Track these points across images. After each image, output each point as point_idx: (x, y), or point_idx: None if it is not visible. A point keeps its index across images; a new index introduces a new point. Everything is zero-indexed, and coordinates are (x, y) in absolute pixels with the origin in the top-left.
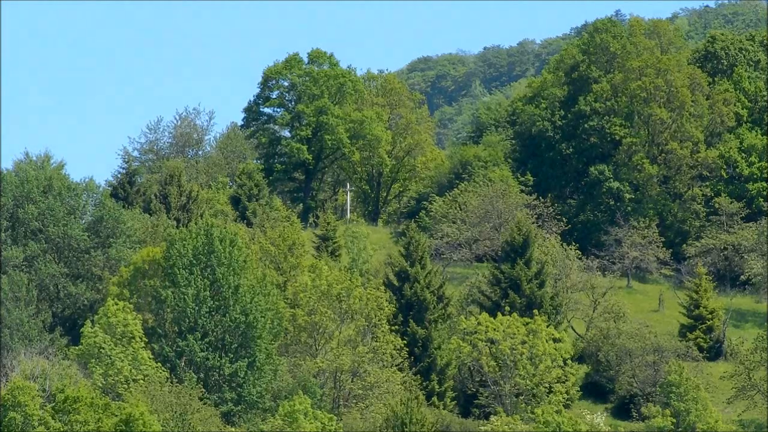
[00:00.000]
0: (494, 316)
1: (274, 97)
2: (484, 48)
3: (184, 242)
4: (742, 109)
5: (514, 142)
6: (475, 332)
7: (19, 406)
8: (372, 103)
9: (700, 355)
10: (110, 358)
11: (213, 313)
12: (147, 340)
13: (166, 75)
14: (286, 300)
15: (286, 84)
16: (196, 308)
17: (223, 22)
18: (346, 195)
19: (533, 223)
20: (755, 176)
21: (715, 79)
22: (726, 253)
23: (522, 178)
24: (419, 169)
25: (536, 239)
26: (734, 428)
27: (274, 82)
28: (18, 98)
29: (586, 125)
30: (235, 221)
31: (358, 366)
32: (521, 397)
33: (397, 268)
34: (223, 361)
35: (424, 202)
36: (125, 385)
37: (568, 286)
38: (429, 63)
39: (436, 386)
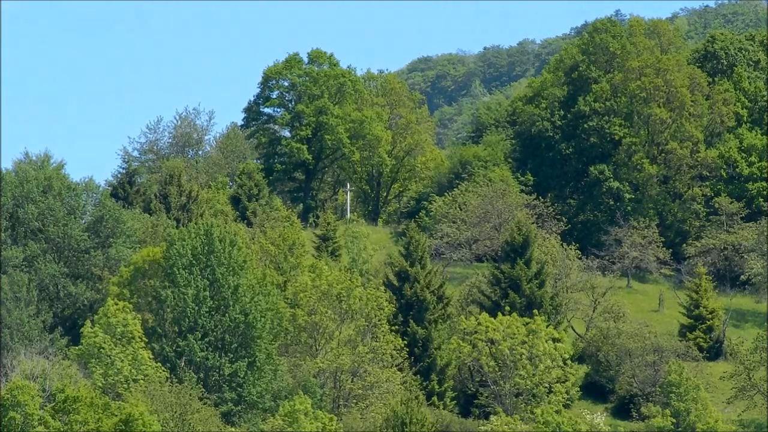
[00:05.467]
0: (494, 316)
1: (274, 97)
2: (484, 48)
3: (183, 242)
4: (742, 109)
5: (514, 142)
6: (475, 332)
7: (19, 406)
8: (372, 103)
9: (700, 355)
10: (110, 358)
11: (213, 313)
12: (147, 340)
13: (166, 75)
14: (286, 300)
15: (286, 84)
16: (196, 308)
17: (223, 22)
18: (346, 195)
19: (533, 223)
20: (755, 176)
21: (715, 79)
22: (726, 253)
23: (522, 178)
24: (419, 169)
25: (536, 239)
26: (734, 428)
27: (274, 82)
28: (18, 98)
29: (585, 125)
30: (235, 221)
31: (358, 366)
32: (521, 397)
33: (397, 268)
34: (223, 361)
35: (424, 202)
36: (125, 385)
37: (568, 286)
38: (429, 63)
39: (436, 386)
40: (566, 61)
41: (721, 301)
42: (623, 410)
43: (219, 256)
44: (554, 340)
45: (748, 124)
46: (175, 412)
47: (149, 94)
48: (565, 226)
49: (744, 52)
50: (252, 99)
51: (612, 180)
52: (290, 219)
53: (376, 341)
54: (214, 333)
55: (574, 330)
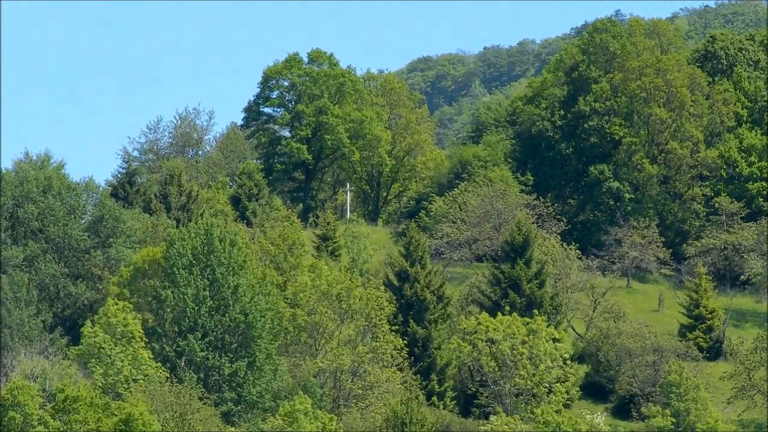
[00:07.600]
0: (494, 316)
1: (274, 97)
2: (484, 48)
3: (183, 242)
4: (742, 109)
5: (514, 142)
6: (475, 332)
7: (19, 406)
8: (372, 103)
9: (700, 355)
10: (110, 358)
11: (213, 313)
12: (147, 340)
13: (166, 75)
14: (286, 300)
15: (286, 84)
16: (196, 308)
17: (223, 22)
18: (346, 195)
19: (533, 223)
20: (755, 176)
21: (715, 78)
22: (726, 253)
23: (522, 178)
24: (419, 169)
25: (536, 239)
26: (734, 428)
27: (274, 82)
28: (18, 98)
29: (586, 125)
30: (235, 221)
31: (358, 366)
32: (521, 397)
33: (397, 268)
34: (223, 361)
35: (424, 202)
36: (125, 385)
37: (568, 286)
38: (429, 63)
39: (436, 386)
40: (566, 61)
41: (721, 301)
42: (623, 410)
43: (219, 256)
44: (554, 340)
45: (748, 124)
46: (175, 412)
47: (149, 94)
48: (565, 226)
49: (744, 52)
50: (252, 99)
51: (612, 180)
52: (290, 219)
53: (376, 341)
54: (214, 333)
55: (574, 330)
